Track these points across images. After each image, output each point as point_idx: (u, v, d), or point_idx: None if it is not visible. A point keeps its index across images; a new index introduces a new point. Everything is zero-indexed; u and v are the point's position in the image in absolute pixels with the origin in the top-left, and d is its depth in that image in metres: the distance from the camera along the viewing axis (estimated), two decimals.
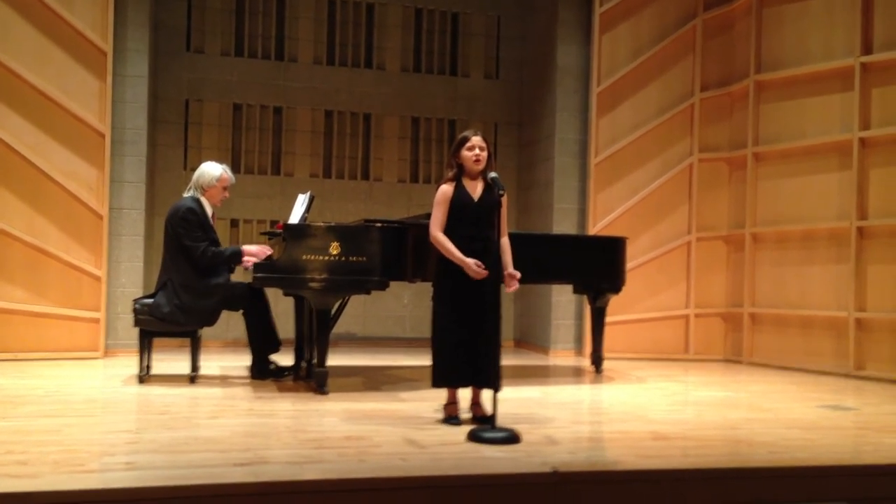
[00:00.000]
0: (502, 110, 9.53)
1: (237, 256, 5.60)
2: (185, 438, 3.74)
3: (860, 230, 7.03)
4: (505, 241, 4.35)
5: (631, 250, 7.22)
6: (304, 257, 5.10)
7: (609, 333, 7.19)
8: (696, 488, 3.28)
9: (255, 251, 5.59)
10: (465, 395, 4.39)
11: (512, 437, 3.77)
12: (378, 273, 5.20)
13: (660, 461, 3.53)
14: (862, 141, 7.05)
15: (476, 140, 4.26)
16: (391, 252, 5.24)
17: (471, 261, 4.11)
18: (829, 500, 3.36)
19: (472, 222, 4.23)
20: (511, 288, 4.28)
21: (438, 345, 4.26)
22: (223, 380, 5.90)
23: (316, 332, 5.29)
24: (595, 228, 8.21)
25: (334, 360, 6.05)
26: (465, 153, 4.26)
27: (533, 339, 8.96)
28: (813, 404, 5.35)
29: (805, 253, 7.55)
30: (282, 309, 7.18)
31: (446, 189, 4.27)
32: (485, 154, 4.26)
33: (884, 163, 6.95)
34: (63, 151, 7.07)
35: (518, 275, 4.28)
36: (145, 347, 5.63)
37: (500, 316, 4.08)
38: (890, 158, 6.91)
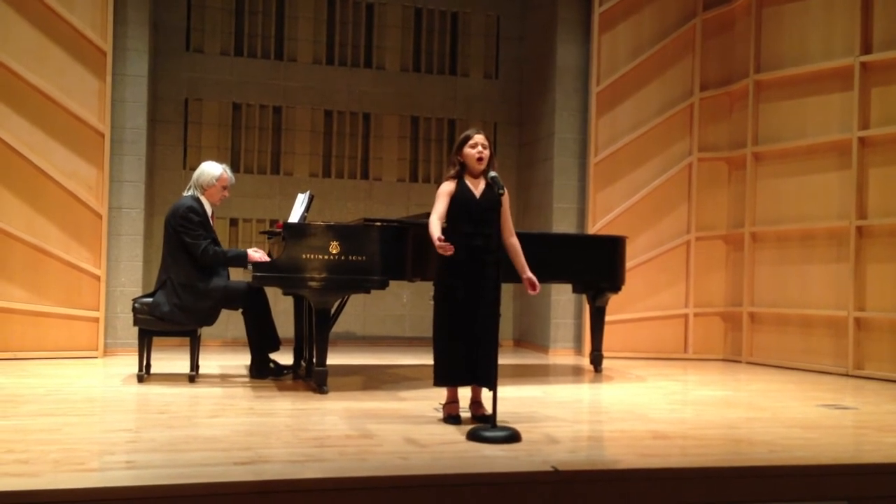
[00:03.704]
0: (501, 110, 9.53)
1: (241, 260, 5.49)
2: (184, 437, 3.74)
3: (859, 229, 7.03)
4: (515, 242, 4.35)
5: (630, 249, 7.23)
6: (303, 256, 5.10)
7: (608, 332, 7.19)
8: (695, 487, 3.28)
9: (258, 259, 5.48)
10: (465, 393, 4.39)
11: (512, 436, 3.77)
12: (378, 272, 5.21)
13: (659, 460, 3.53)
14: (861, 140, 7.05)
15: (479, 138, 4.26)
16: (391, 251, 5.24)
17: (438, 237, 4.01)
18: (828, 499, 3.36)
19: (472, 220, 4.22)
20: (534, 291, 4.28)
21: (439, 344, 4.26)
22: (223, 379, 5.90)
23: (315, 332, 5.29)
24: (594, 228, 8.21)
25: (334, 359, 6.06)
26: (468, 151, 4.26)
27: (532, 339, 8.96)
28: (812, 403, 5.36)
29: (804, 252, 7.55)
30: (281, 308, 7.18)
31: (448, 184, 4.27)
32: (487, 152, 4.25)
33: (883, 162, 6.96)
34: (63, 151, 7.07)
35: (536, 282, 4.28)
36: (145, 346, 5.63)
37: (498, 315, 4.08)
38: (889, 158, 6.91)
